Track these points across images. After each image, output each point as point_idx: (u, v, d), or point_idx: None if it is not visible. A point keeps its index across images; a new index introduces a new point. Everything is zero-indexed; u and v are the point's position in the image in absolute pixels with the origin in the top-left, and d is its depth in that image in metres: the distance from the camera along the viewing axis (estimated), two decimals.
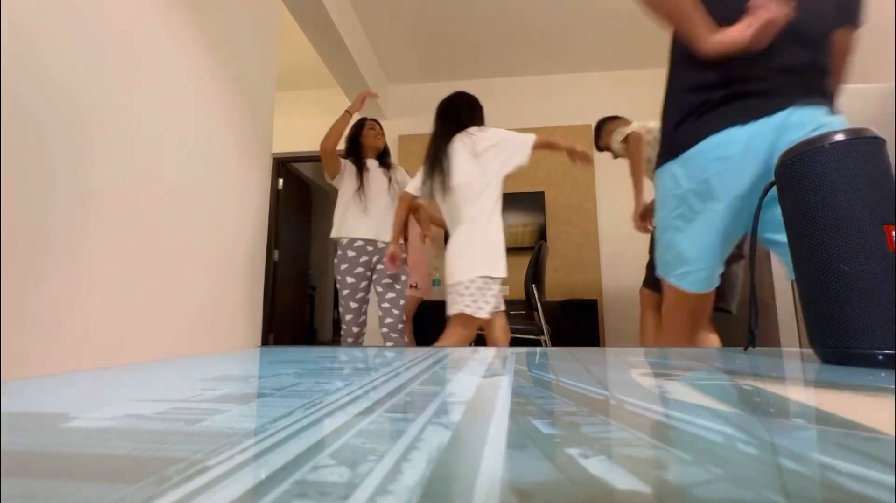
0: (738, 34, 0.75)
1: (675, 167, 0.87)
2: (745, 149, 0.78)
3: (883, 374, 0.32)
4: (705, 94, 0.83)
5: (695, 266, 0.87)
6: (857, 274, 0.37)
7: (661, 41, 3.76)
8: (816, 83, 0.81)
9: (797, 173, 0.42)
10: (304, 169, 4.75)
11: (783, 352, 0.50)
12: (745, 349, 0.51)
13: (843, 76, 0.92)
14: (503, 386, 0.27)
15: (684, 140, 0.85)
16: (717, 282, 0.89)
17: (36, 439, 0.16)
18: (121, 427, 0.18)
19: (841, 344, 0.38)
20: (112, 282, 1.10)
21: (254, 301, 1.78)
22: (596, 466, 0.13)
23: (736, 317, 1.82)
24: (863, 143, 0.40)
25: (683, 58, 0.86)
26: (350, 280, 1.85)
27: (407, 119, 3.89)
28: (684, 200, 0.86)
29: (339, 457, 0.14)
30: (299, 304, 4.48)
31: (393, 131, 3.87)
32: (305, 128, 3.92)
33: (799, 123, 0.76)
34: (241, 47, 1.72)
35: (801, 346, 1.25)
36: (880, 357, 0.36)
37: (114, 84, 1.11)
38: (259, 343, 1.87)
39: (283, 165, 4.06)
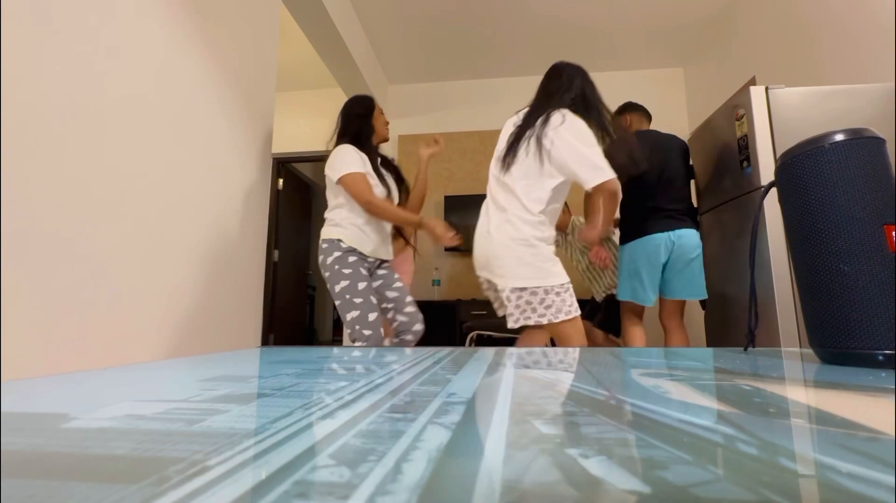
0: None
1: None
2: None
3: (883, 374, 0.32)
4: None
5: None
6: (857, 274, 0.37)
7: (662, 42, 3.73)
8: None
9: (797, 173, 0.42)
10: (304, 169, 4.75)
11: (783, 352, 0.50)
12: (745, 349, 0.51)
13: None
14: (503, 386, 0.27)
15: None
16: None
17: (36, 439, 0.16)
18: (121, 427, 0.18)
19: (841, 344, 0.38)
20: (112, 282, 1.10)
21: (254, 301, 1.78)
22: (596, 466, 0.13)
23: (736, 317, 1.82)
24: (863, 143, 0.40)
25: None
26: (363, 272, 1.49)
27: (407, 119, 3.88)
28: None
29: (339, 457, 0.14)
30: (299, 304, 4.48)
31: (393, 131, 3.87)
32: (305, 128, 3.92)
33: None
34: (241, 47, 1.71)
35: (801, 346, 1.25)
36: (880, 357, 0.36)
37: (112, 84, 1.11)
38: (259, 343, 1.87)
39: (283, 165, 4.06)
